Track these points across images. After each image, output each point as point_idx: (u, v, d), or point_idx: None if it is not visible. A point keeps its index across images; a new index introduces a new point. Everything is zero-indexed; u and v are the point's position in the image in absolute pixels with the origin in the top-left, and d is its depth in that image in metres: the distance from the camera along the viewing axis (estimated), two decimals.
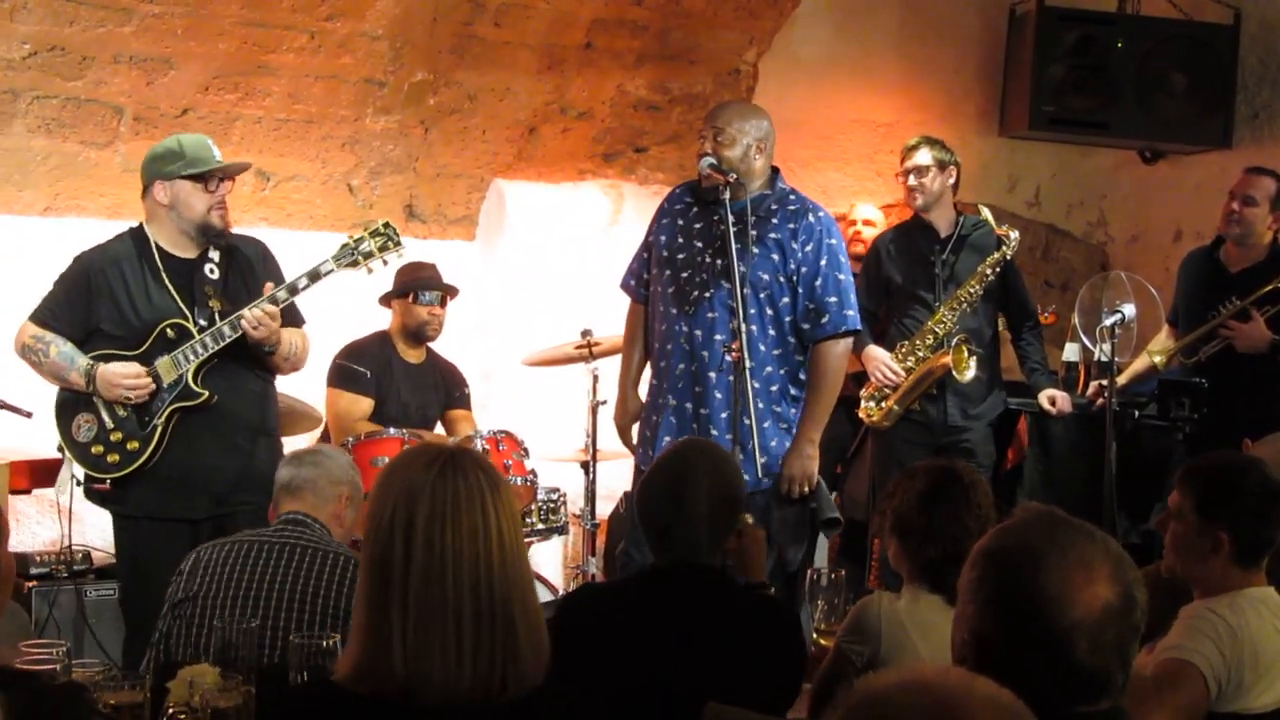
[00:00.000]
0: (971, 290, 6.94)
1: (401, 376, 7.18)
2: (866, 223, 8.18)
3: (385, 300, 7.23)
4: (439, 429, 7.39)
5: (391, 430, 6.74)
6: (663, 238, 6.04)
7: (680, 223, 6.01)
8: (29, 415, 6.34)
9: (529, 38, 7.65)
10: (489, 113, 7.87)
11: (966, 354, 6.88)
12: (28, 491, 6.45)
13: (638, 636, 3.87)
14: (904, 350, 6.98)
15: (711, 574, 4.04)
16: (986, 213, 7.10)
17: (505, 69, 7.73)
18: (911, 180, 7.10)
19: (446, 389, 7.43)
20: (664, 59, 8.12)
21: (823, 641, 4.19)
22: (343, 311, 7.45)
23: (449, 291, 7.23)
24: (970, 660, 2.50)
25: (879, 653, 3.94)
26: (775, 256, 5.85)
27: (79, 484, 5.68)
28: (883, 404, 6.99)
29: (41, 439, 6.58)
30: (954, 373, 6.84)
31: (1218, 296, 6.87)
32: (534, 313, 8.12)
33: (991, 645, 2.47)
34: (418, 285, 7.14)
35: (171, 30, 6.87)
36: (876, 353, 7.04)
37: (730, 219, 5.68)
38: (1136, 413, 7.16)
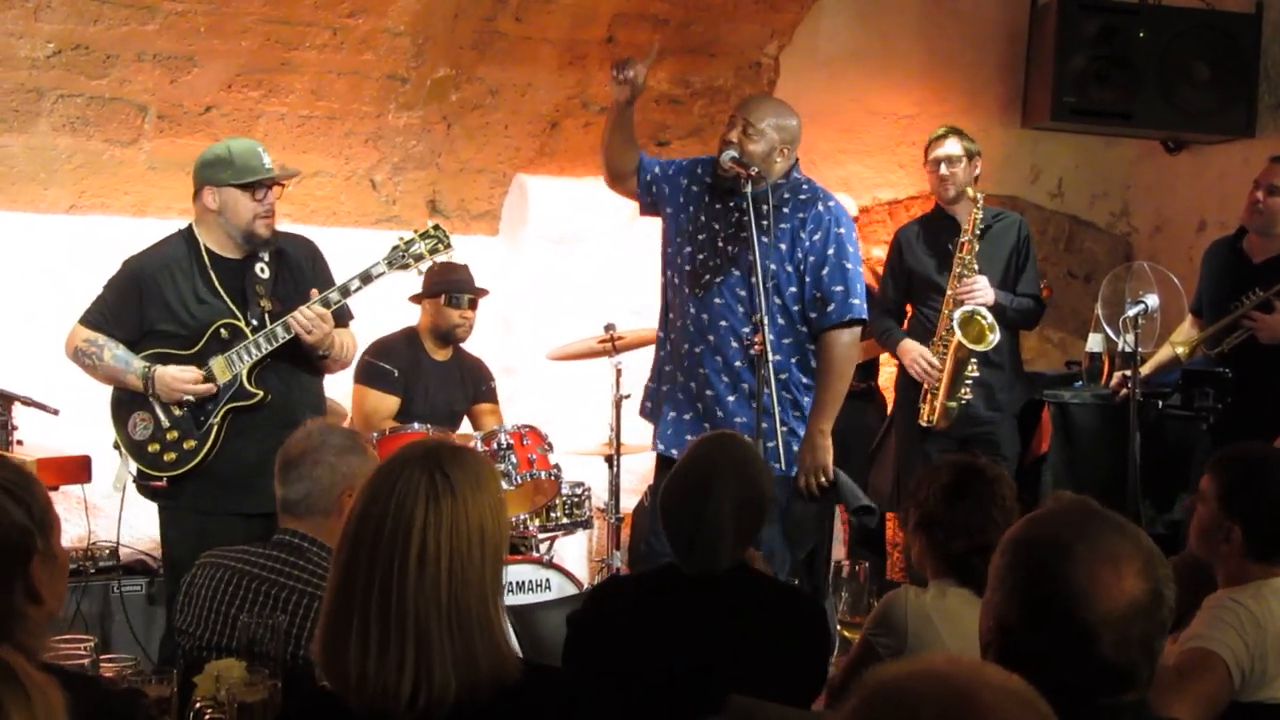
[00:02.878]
0: (963, 260, 6.94)
1: (429, 374, 7.20)
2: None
3: (417, 298, 7.25)
4: (466, 424, 7.42)
5: (416, 425, 6.77)
6: (684, 215, 6.05)
7: (705, 200, 6.02)
8: (55, 412, 6.38)
9: (550, 32, 7.67)
10: (511, 108, 7.88)
11: (982, 323, 6.86)
12: (55, 488, 6.47)
13: (663, 629, 3.88)
14: (936, 347, 6.98)
15: (737, 567, 4.05)
16: (970, 190, 7.08)
17: (527, 64, 7.74)
18: (943, 169, 7.08)
19: (474, 384, 7.45)
20: (685, 52, 8.12)
21: (846, 633, 4.19)
22: (370, 304, 7.48)
23: (480, 293, 7.25)
24: (995, 647, 2.50)
25: (905, 646, 3.95)
26: (784, 245, 5.87)
27: (134, 481, 5.72)
28: (935, 404, 6.97)
29: (68, 436, 6.62)
30: (975, 345, 6.82)
31: (1241, 287, 6.83)
32: (557, 307, 8.13)
33: (1016, 634, 2.47)
34: (450, 288, 7.16)
35: (194, 28, 6.90)
36: (911, 345, 7.04)
37: (751, 212, 5.70)
38: (1160, 403, 7.14)
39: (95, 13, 6.70)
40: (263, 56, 7.13)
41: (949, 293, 6.96)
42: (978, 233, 6.97)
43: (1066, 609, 2.42)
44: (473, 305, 7.23)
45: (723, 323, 5.88)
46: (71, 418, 6.55)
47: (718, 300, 5.90)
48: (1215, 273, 7.07)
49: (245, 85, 7.20)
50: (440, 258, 5.74)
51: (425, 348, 7.26)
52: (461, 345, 7.35)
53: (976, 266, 6.95)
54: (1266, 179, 6.86)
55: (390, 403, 7.10)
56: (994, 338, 6.84)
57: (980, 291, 6.89)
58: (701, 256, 5.95)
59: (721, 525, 3.97)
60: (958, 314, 6.86)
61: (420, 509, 2.65)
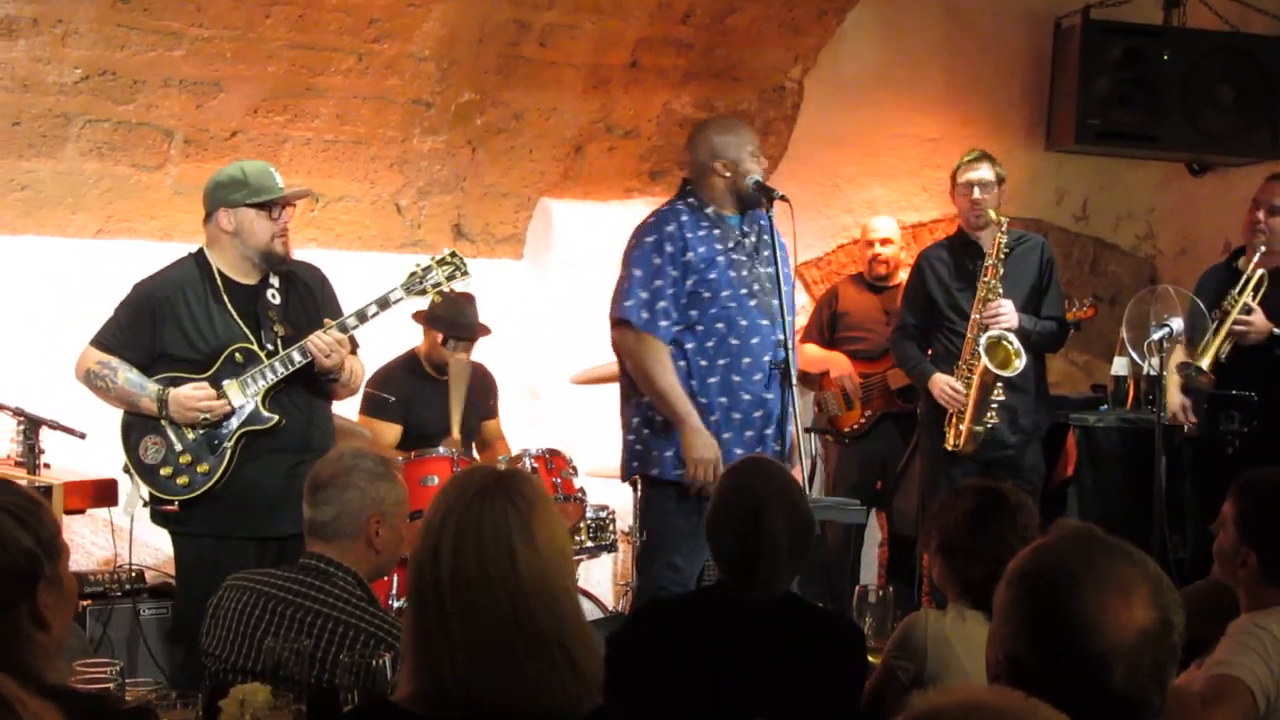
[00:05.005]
0: (989, 284, 6.93)
1: (433, 395, 7.20)
2: (885, 242, 8.16)
3: (420, 319, 7.25)
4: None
5: (441, 449, 6.79)
6: (719, 259, 6.05)
7: (727, 242, 6.03)
8: (83, 436, 6.40)
9: (575, 57, 7.69)
10: (536, 132, 7.90)
11: (1008, 348, 6.85)
12: (82, 511, 6.50)
13: (707, 652, 3.89)
14: (961, 372, 6.97)
15: (785, 593, 4.07)
16: (991, 212, 7.07)
17: (551, 88, 7.77)
18: (976, 194, 7.07)
19: (484, 397, 7.49)
20: (709, 76, 8.13)
21: (870, 658, 4.20)
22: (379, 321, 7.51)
23: (480, 333, 7.27)
24: (1004, 680, 2.47)
25: (925, 669, 3.96)
26: None
27: (145, 505, 5.72)
28: (960, 429, 6.95)
29: (95, 459, 6.64)
30: (1002, 370, 6.81)
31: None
32: (581, 330, 8.14)
33: (1025, 667, 2.44)
34: (450, 331, 7.19)
35: (221, 54, 6.93)
36: (940, 379, 7.03)
37: (775, 235, 5.81)
38: (1185, 426, 7.11)
39: (122, 39, 6.73)
40: (288, 82, 7.16)
41: (974, 317, 6.95)
42: (1002, 256, 6.96)
43: (1076, 640, 2.40)
44: (471, 344, 7.27)
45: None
46: (98, 441, 6.57)
47: (763, 321, 6.02)
48: (1214, 294, 6.99)
49: (271, 110, 7.23)
50: (458, 284, 5.74)
51: (427, 371, 7.28)
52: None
53: (1001, 290, 6.94)
54: (1266, 198, 6.83)
55: (392, 431, 7.15)
56: (1020, 363, 6.83)
57: (1006, 316, 6.88)
58: (756, 287, 6.08)
59: (779, 550, 3.98)
60: (984, 339, 6.85)
61: (515, 532, 2.68)
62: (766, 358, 5.99)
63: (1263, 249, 6.77)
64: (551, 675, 2.64)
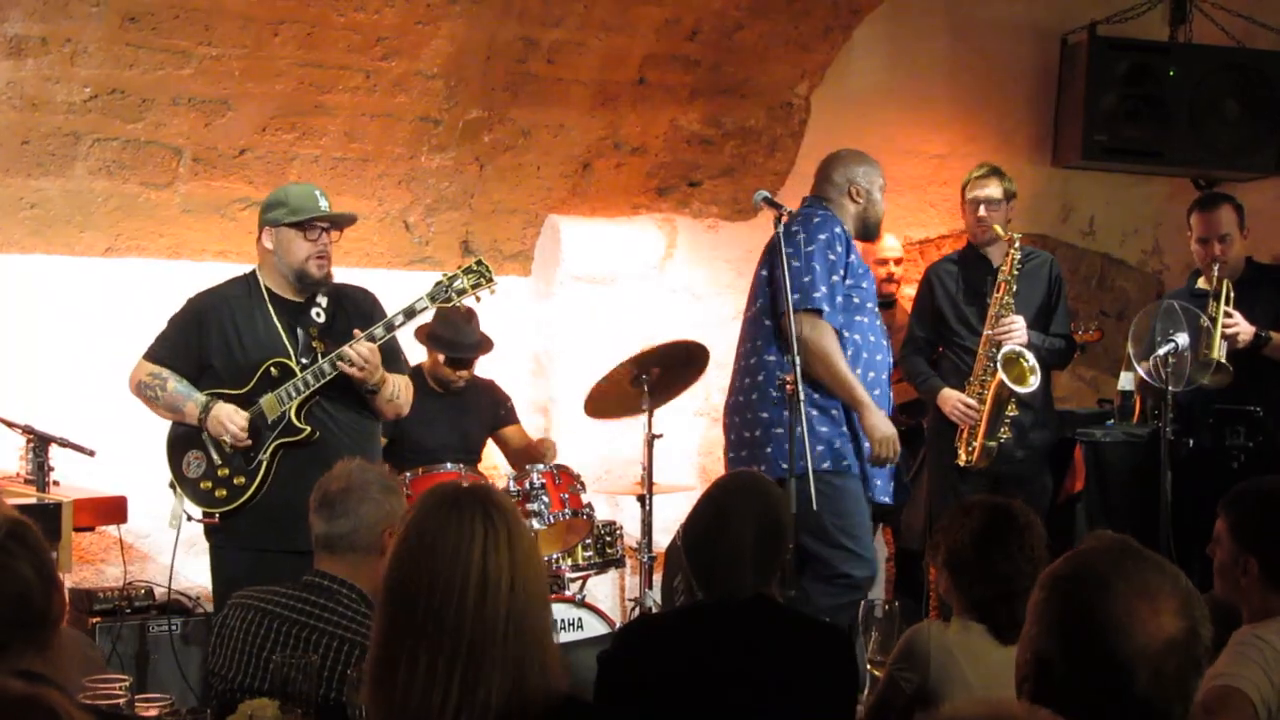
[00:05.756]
0: (1002, 301, 6.94)
1: (433, 410, 7.20)
2: (898, 261, 8.22)
3: (419, 336, 7.26)
4: (490, 451, 7.48)
5: (449, 465, 6.80)
6: (867, 272, 6.65)
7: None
8: (92, 454, 6.42)
9: (582, 74, 7.70)
10: (543, 149, 7.92)
11: (1024, 365, 6.86)
12: (91, 529, 6.52)
13: (690, 665, 3.89)
14: (973, 387, 6.97)
15: (764, 602, 4.06)
16: (999, 228, 7.08)
17: (559, 105, 7.78)
18: (982, 211, 7.09)
19: (490, 410, 7.49)
20: (716, 93, 8.15)
21: (876, 673, 4.20)
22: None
23: (482, 351, 7.29)
24: (1031, 680, 2.51)
25: (928, 680, 3.96)
26: None
27: (190, 519, 5.80)
28: (972, 444, 6.96)
29: (103, 476, 6.66)
30: (1018, 387, 6.82)
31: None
32: (589, 347, 8.16)
33: (1053, 667, 2.48)
34: (451, 352, 7.22)
35: (229, 72, 6.96)
36: (950, 394, 7.04)
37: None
38: (1191, 441, 7.11)
39: (131, 58, 6.76)
40: (297, 100, 7.18)
41: (987, 333, 6.95)
42: (1015, 273, 6.97)
43: (1103, 642, 2.43)
44: (471, 363, 7.28)
45: None
46: (108, 459, 6.59)
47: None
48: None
49: (279, 128, 7.25)
50: (484, 293, 5.75)
51: (430, 386, 7.29)
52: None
53: (1013, 307, 6.96)
54: (1214, 231, 7.03)
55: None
56: (1035, 380, 6.86)
57: (1018, 332, 6.90)
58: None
59: (741, 550, 4.01)
60: (1001, 354, 6.85)
61: (479, 541, 2.75)
62: (883, 375, 6.54)
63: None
64: (451, 681, 2.70)
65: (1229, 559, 3.92)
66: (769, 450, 6.38)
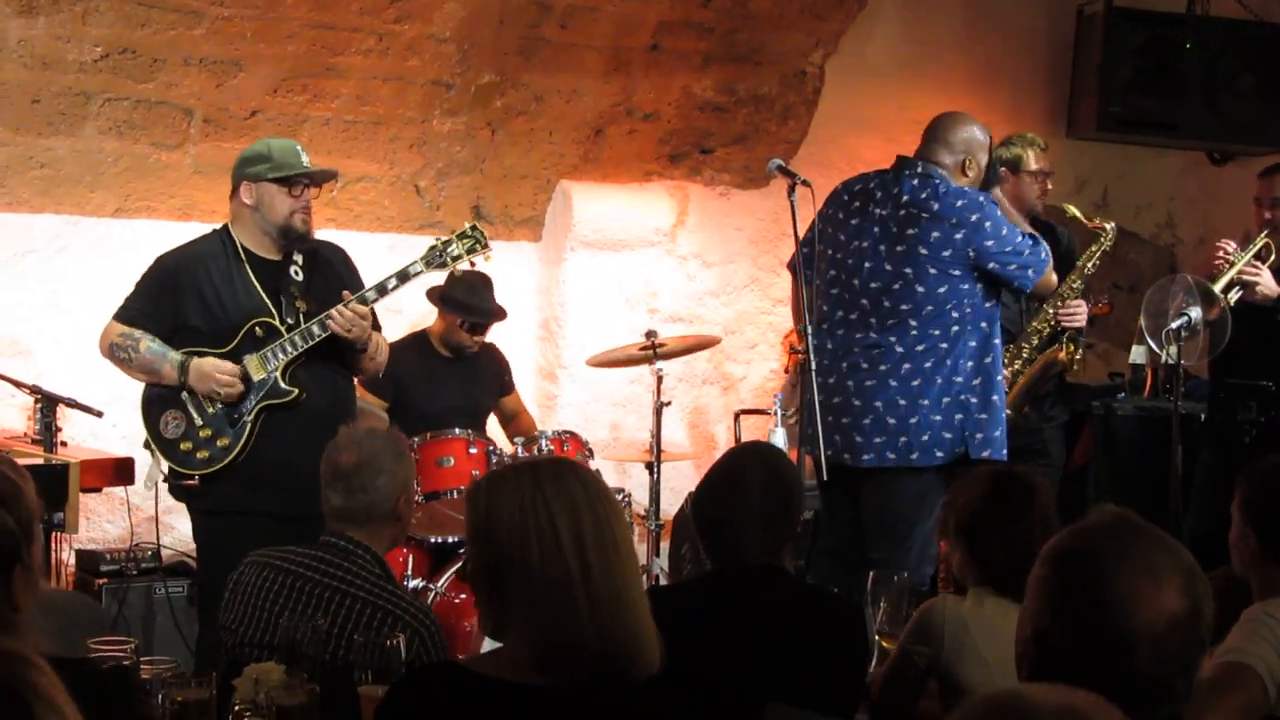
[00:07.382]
0: (1073, 285, 6.87)
1: (441, 375, 7.20)
2: None
3: (432, 298, 7.25)
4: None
5: (456, 430, 6.79)
6: None
7: None
8: (99, 414, 6.42)
9: (595, 40, 7.67)
10: (555, 114, 7.89)
11: (1077, 349, 6.83)
12: (99, 489, 6.51)
13: (699, 635, 3.88)
14: (1009, 354, 6.90)
15: (773, 573, 4.05)
16: (1074, 210, 7.04)
17: (572, 71, 7.75)
18: (1050, 185, 7.13)
19: (498, 377, 7.50)
20: (730, 60, 8.11)
21: (884, 644, 4.19)
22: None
23: (498, 317, 7.27)
24: (1030, 657, 2.50)
25: (942, 655, 3.95)
26: None
27: (165, 480, 5.73)
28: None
29: (112, 437, 6.66)
30: (1071, 367, 6.80)
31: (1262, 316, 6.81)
32: (599, 313, 8.14)
33: (1052, 643, 2.47)
34: (469, 315, 7.19)
35: (241, 33, 6.93)
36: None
37: None
38: (1203, 415, 7.09)
39: (142, 17, 6.73)
40: (308, 61, 7.15)
41: (1049, 310, 6.81)
42: (1095, 264, 6.89)
43: (1103, 619, 2.42)
44: (486, 329, 7.27)
45: None
46: (115, 419, 6.59)
47: None
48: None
49: (291, 90, 7.23)
50: (477, 259, 5.71)
51: (436, 350, 7.28)
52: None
53: (1081, 289, 6.88)
54: (1267, 193, 6.87)
55: (379, 405, 7.11)
56: (1078, 368, 6.86)
57: (1080, 316, 6.83)
58: None
59: (748, 513, 4.01)
60: (1066, 335, 6.79)
61: (584, 503, 2.84)
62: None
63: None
64: (614, 633, 2.83)
65: (1237, 534, 3.94)
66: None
